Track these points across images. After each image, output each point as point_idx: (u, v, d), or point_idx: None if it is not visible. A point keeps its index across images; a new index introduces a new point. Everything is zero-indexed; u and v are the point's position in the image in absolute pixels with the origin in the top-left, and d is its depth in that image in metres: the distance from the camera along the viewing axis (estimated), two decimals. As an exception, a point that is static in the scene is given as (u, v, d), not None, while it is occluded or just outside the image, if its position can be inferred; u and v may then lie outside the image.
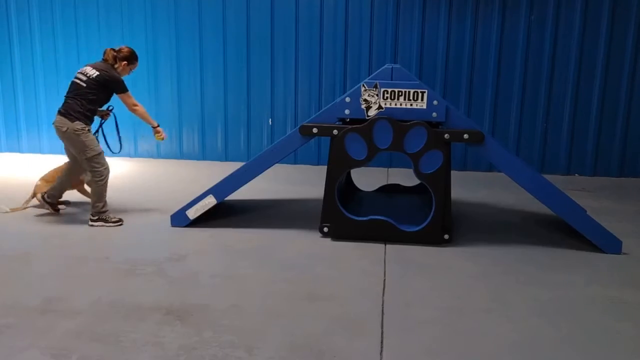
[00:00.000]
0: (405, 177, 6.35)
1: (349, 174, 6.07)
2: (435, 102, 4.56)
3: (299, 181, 7.22)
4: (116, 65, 5.12)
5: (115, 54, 5.12)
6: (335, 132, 4.67)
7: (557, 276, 4.10)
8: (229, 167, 5.98)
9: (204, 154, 8.61)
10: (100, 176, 5.04)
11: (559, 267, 4.28)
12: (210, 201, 4.98)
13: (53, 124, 4.99)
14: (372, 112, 4.65)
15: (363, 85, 4.63)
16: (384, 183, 6.37)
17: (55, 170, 5.73)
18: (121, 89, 5.06)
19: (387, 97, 4.60)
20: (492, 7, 7.74)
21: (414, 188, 6.06)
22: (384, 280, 3.96)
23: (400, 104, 4.60)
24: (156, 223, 5.16)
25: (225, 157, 8.53)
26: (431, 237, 4.68)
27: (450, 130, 4.59)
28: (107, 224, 5.09)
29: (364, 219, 4.74)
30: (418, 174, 4.65)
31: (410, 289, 3.83)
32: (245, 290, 3.74)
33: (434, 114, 4.57)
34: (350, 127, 4.65)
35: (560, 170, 7.92)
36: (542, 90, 7.82)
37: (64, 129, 4.89)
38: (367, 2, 7.97)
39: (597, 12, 7.55)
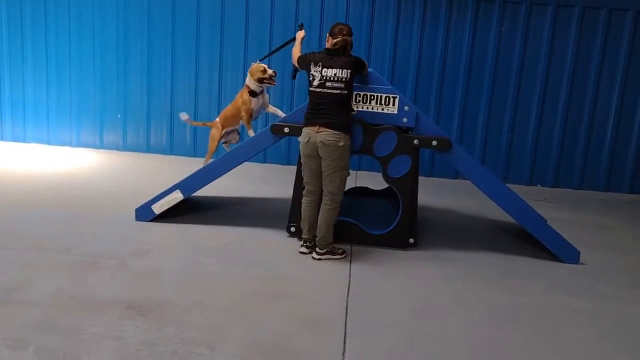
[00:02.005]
0: (374, 181, 6.40)
1: (318, 175, 6.08)
2: (406, 108, 4.61)
3: (268, 180, 7.20)
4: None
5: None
6: (306, 132, 4.67)
7: (517, 283, 4.19)
8: (197, 163, 5.94)
9: (171, 148, 8.47)
10: (337, 204, 4.45)
11: (520, 274, 4.38)
12: (177, 196, 4.92)
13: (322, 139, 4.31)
14: (344, 115, 4.66)
15: (336, 87, 4.64)
16: (353, 186, 6.40)
17: (232, 106, 5.54)
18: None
19: (359, 101, 4.63)
20: (465, 17, 7.87)
21: (382, 192, 6.10)
22: (349, 281, 3.98)
23: (372, 108, 4.64)
24: (120, 216, 5.07)
25: (194, 153, 8.41)
26: (397, 241, 4.73)
27: (420, 136, 4.66)
28: (335, 257, 4.48)
29: (332, 220, 4.76)
30: (386, 177, 4.70)
31: (375, 291, 3.87)
32: (210, 287, 3.71)
33: (405, 120, 4.62)
34: (321, 128, 4.66)
35: (523, 180, 8.09)
36: (509, 101, 7.98)
37: (341, 143, 4.30)
38: (343, 6, 8.00)
39: (565, 27, 7.75)
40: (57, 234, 4.55)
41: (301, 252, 4.51)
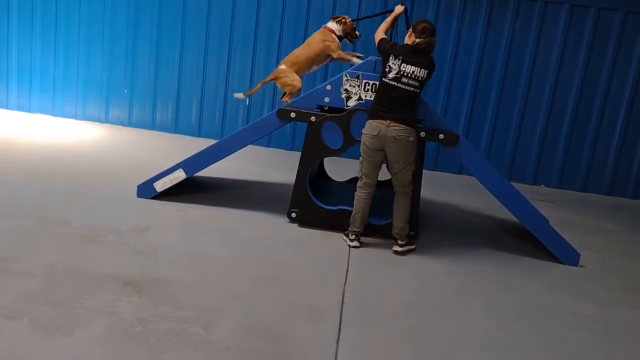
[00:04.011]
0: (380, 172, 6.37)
1: (322, 162, 6.05)
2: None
3: (271, 164, 7.17)
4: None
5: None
6: (312, 118, 4.64)
7: (516, 282, 4.18)
8: (202, 143, 5.91)
9: (176, 127, 8.44)
10: (410, 194, 4.51)
11: (519, 273, 4.36)
12: (179, 175, 4.90)
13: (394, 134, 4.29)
14: (352, 103, 4.63)
15: (345, 75, 4.61)
16: (356, 175, 6.37)
17: (300, 51, 5.31)
18: None
19: (368, 89, 4.59)
20: (479, 13, 7.78)
21: (384, 182, 6.06)
22: (347, 270, 3.97)
23: (381, 98, 4.59)
24: (122, 192, 5.05)
25: (199, 132, 8.38)
26: (397, 232, 4.70)
27: (427, 129, 4.62)
28: (412, 247, 4.53)
29: (333, 208, 4.75)
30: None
31: (372, 281, 3.86)
32: (208, 267, 3.71)
33: (413, 111, 4.58)
34: (328, 115, 4.63)
35: (527, 179, 8.05)
36: (518, 99, 7.91)
37: (411, 138, 4.33)
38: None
39: (579, 27, 7.66)
40: (57, 206, 4.54)
41: (355, 247, 4.46)
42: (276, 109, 4.77)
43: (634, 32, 7.60)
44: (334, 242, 4.50)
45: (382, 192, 5.82)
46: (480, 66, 7.92)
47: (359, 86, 4.59)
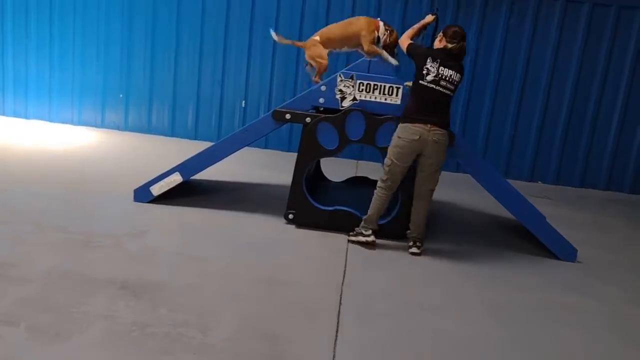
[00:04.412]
0: (374, 171, 6.37)
1: (318, 163, 6.05)
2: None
3: (268, 166, 7.18)
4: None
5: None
6: (308, 119, 4.65)
7: (513, 279, 4.18)
8: (198, 146, 5.91)
9: (173, 131, 8.43)
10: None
11: (516, 270, 4.37)
12: (176, 179, 4.90)
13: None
14: (347, 103, 4.64)
15: (339, 75, 4.61)
16: (353, 175, 6.38)
17: (335, 29, 5.08)
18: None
19: (362, 90, 4.60)
20: (472, 9, 7.80)
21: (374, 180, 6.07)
22: (344, 270, 3.97)
23: (375, 98, 4.61)
24: (118, 197, 5.05)
25: (195, 136, 8.38)
26: (395, 231, 4.70)
27: (422, 128, 4.62)
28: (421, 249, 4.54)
29: (330, 208, 4.75)
30: (387, 168, 4.67)
31: (370, 281, 3.86)
32: (205, 270, 3.71)
33: (407, 111, 4.58)
34: (323, 116, 4.64)
35: (524, 176, 8.06)
36: (514, 97, 7.92)
37: (447, 142, 4.37)
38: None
39: (574, 23, 7.66)
40: (54, 212, 4.54)
41: (371, 242, 4.48)
42: (271, 110, 4.78)
43: (628, 27, 7.62)
44: (332, 243, 4.51)
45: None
46: (476, 63, 7.93)
47: (353, 86, 4.60)
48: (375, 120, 4.58)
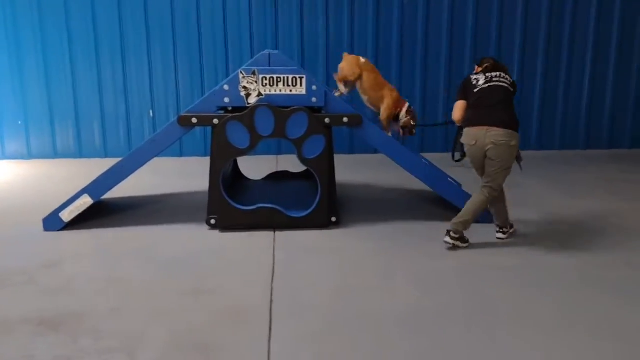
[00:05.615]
0: (295, 164, 6.37)
1: (235, 163, 5.98)
2: (314, 87, 4.58)
3: (186, 174, 7.00)
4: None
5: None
6: (215, 121, 4.56)
7: (439, 248, 4.29)
8: (109, 164, 5.64)
9: (80, 152, 8.04)
10: (492, 197, 4.29)
11: (441, 239, 4.48)
12: (85, 201, 4.68)
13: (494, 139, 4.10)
14: (253, 100, 4.59)
15: (241, 72, 4.55)
16: (274, 170, 6.35)
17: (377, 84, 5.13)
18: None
19: (266, 84, 4.56)
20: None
21: (302, 174, 6.08)
22: (273, 267, 3.94)
23: (280, 90, 4.58)
24: (27, 229, 4.75)
25: (105, 154, 8.05)
26: (319, 221, 4.72)
27: (331, 115, 4.65)
28: (462, 245, 4.30)
29: (251, 207, 4.69)
30: (302, 159, 4.67)
31: (300, 274, 3.84)
32: (127, 292, 3.56)
33: (314, 99, 4.59)
34: (230, 115, 4.56)
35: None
36: (441, 89, 8.21)
37: (513, 142, 4.13)
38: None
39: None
40: (-44, 255, 4.21)
41: (498, 239, 4.49)
42: (176, 116, 4.65)
43: None
44: (258, 242, 4.45)
45: (300, 185, 5.85)
46: (377, 47, 8.09)
47: (256, 82, 4.54)
48: (284, 113, 4.55)
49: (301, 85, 4.58)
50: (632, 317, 3.18)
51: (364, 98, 5.20)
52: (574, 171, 7.18)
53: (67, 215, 4.67)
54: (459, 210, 4.85)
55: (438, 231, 4.68)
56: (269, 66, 4.59)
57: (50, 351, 2.83)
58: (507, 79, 4.29)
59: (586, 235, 4.60)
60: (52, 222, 4.69)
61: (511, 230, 4.54)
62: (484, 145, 4.13)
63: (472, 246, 4.31)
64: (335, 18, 8.00)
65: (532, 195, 5.93)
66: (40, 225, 4.72)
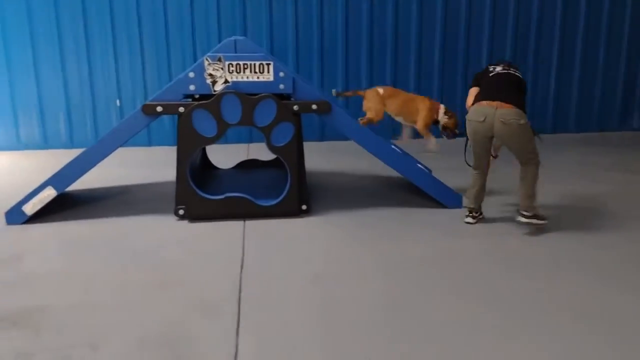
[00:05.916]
0: (266, 153, 6.32)
1: (204, 152, 5.89)
2: (281, 74, 4.52)
3: (154, 164, 6.88)
4: None
5: None
6: (181, 109, 4.47)
7: (408, 235, 4.30)
8: (75, 155, 5.52)
9: (46, 142, 7.86)
10: (538, 163, 4.19)
11: (410, 225, 4.50)
12: (49, 193, 4.55)
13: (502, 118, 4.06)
14: (219, 87, 4.51)
15: (206, 59, 4.46)
16: (244, 159, 6.28)
17: (403, 93, 5.40)
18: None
19: (232, 71, 4.48)
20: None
21: (272, 162, 6.03)
22: (242, 258, 3.89)
23: (247, 77, 4.51)
24: (-12, 223, 4.62)
25: (72, 144, 7.86)
26: (289, 209, 4.68)
27: (299, 102, 4.60)
28: (540, 222, 4.19)
29: (220, 197, 4.63)
30: (271, 147, 4.62)
31: (269, 264, 3.80)
32: (91, 286, 3.47)
33: (282, 86, 4.54)
34: (196, 103, 4.47)
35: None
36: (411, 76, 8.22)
37: (522, 121, 4.06)
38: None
39: None
40: None
41: (467, 223, 4.44)
42: (141, 105, 4.55)
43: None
44: (227, 232, 4.40)
45: (270, 173, 5.80)
46: (347, 37, 8.04)
47: (222, 68, 4.46)
48: (251, 101, 4.48)
49: (269, 72, 4.51)
50: (612, 299, 3.23)
51: (398, 119, 5.38)
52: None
53: (30, 208, 4.55)
54: (429, 197, 4.89)
55: (406, 217, 4.69)
56: (235, 52, 4.51)
57: (11, 348, 2.75)
58: (518, 71, 4.38)
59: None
60: (15, 216, 4.56)
61: (480, 216, 4.57)
62: (491, 124, 4.09)
63: (439, 232, 4.33)
64: (304, 4, 7.91)
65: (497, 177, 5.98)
66: (3, 218, 4.59)
